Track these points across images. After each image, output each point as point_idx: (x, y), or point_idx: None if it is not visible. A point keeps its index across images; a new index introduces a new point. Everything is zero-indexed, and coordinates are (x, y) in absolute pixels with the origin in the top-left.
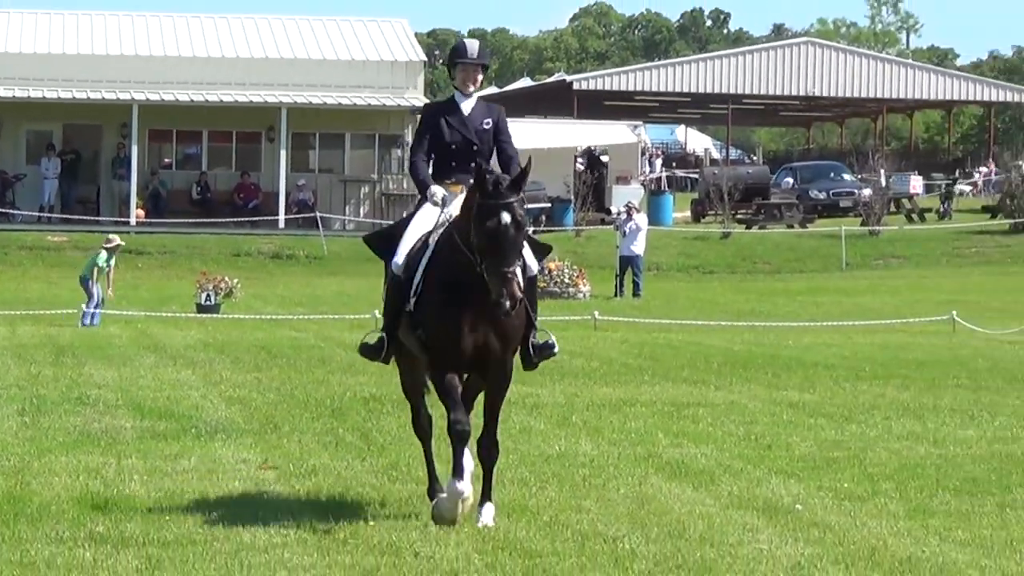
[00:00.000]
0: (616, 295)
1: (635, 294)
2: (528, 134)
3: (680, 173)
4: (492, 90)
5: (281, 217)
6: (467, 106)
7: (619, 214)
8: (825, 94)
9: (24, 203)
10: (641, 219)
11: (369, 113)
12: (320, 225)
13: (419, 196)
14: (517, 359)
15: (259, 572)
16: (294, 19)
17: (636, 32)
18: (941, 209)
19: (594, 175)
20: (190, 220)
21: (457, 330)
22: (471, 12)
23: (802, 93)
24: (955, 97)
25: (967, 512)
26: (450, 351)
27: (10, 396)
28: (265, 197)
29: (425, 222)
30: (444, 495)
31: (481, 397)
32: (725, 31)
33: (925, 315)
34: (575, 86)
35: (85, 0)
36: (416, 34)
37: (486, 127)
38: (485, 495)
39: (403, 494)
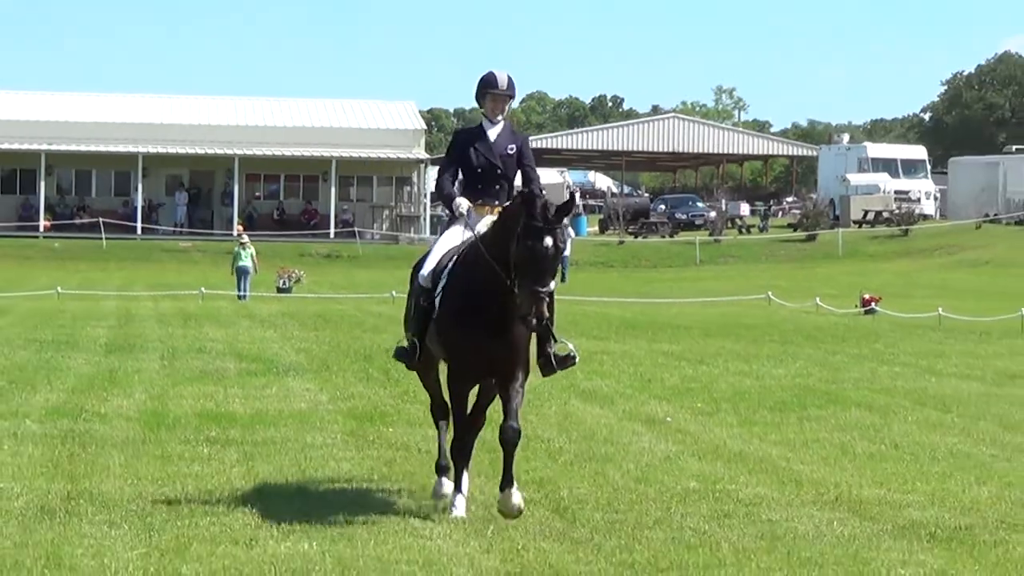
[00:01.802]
0: None
1: (562, 280)
2: None
3: (591, 202)
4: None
5: (332, 230)
6: (493, 133)
7: None
8: (686, 151)
9: (163, 221)
10: (568, 232)
11: (389, 163)
12: (357, 236)
13: (446, 217)
14: (535, 364)
15: (317, 461)
16: (340, 101)
17: (562, 110)
18: (761, 225)
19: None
20: (273, 232)
21: (473, 339)
22: (456, 96)
23: (671, 150)
24: (770, 152)
25: (778, 423)
26: (465, 359)
27: (154, 347)
28: (321, 218)
29: (452, 239)
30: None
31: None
32: (620, 109)
33: (751, 295)
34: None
35: (205, 88)
36: (420, 111)
37: (510, 152)
38: (508, 480)
39: (413, 412)
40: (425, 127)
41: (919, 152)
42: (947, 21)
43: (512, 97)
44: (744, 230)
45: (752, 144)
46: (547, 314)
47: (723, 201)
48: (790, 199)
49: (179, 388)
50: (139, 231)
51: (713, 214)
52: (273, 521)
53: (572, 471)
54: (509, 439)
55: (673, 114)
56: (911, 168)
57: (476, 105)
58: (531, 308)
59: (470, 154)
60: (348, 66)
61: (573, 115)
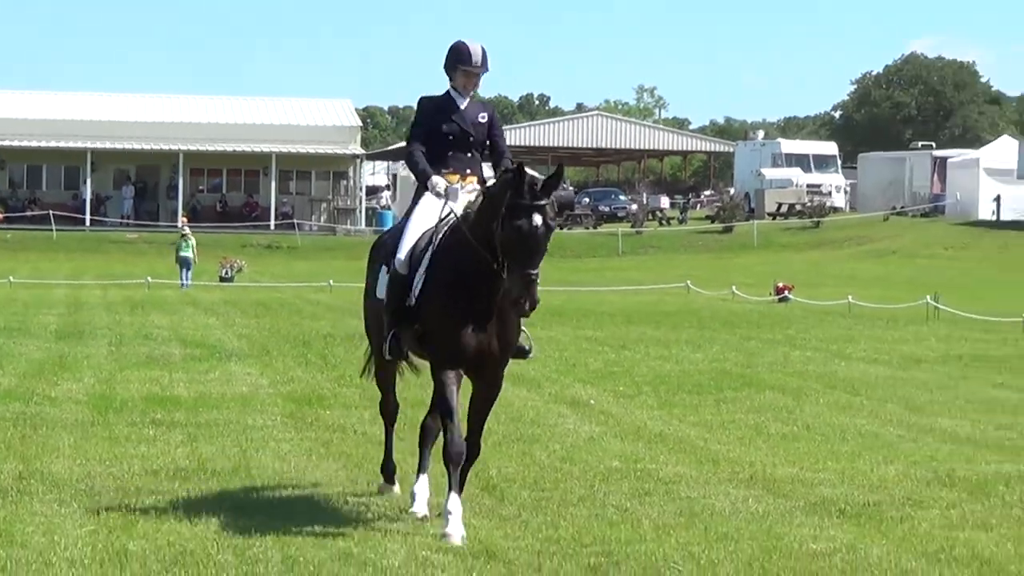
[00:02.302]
0: None
1: None
2: None
3: None
4: (401, 144)
5: (272, 222)
6: (463, 102)
7: None
8: (609, 147)
9: (111, 214)
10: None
11: (326, 158)
12: (296, 227)
13: (417, 187)
14: None
15: (257, 442)
16: (279, 99)
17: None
18: (680, 217)
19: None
20: (216, 224)
21: (461, 327)
22: (390, 94)
23: (595, 146)
24: (689, 148)
25: (696, 405)
26: (452, 348)
27: (102, 334)
28: (262, 210)
29: (426, 218)
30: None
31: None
32: (546, 107)
33: (670, 283)
34: None
35: (152, 86)
36: (355, 108)
37: (482, 120)
38: (456, 489)
39: (349, 395)
40: (360, 124)
41: (830, 148)
42: (856, 23)
43: (486, 71)
44: (664, 222)
45: (672, 140)
46: (538, 298)
47: (644, 194)
48: (708, 193)
49: (126, 373)
50: (88, 223)
51: (635, 207)
52: (216, 499)
53: (500, 451)
54: (472, 458)
55: (597, 112)
56: (822, 163)
57: (445, 74)
58: (523, 292)
59: (440, 121)
60: (287, 66)
61: (502, 113)
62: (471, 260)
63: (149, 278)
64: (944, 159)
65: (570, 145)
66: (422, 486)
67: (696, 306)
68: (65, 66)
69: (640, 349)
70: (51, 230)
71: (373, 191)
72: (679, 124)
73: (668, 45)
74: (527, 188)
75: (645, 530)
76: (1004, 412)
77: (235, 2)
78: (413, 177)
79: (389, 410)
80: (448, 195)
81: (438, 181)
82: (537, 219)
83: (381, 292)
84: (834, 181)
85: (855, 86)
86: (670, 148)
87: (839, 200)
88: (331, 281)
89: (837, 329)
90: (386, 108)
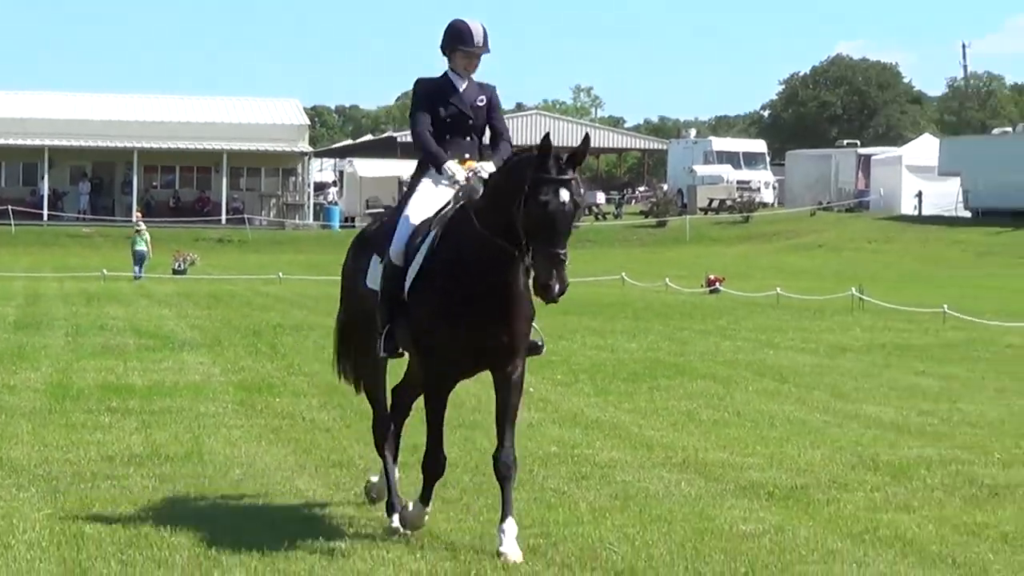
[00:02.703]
0: None
1: None
2: (374, 168)
3: None
4: (348, 142)
5: (223, 217)
6: (462, 84)
7: None
8: None
9: (68, 209)
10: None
11: (275, 155)
12: (247, 222)
13: (416, 174)
14: None
15: (209, 429)
16: (230, 98)
17: None
18: (616, 212)
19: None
20: (169, 219)
21: (468, 329)
22: (336, 93)
23: (534, 143)
24: (624, 146)
25: (631, 392)
26: (454, 350)
27: (60, 325)
28: (213, 205)
29: (425, 205)
30: (411, 511)
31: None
32: None
33: (606, 276)
34: (398, 139)
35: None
36: (304, 107)
37: (480, 104)
38: (508, 512)
39: (298, 383)
40: (308, 123)
41: (759, 146)
42: (785, 25)
43: (487, 52)
44: (600, 217)
45: (608, 138)
46: (568, 280)
47: (581, 188)
48: (642, 189)
49: (82, 362)
50: (45, 218)
51: None
52: (168, 483)
53: (447, 437)
54: (511, 473)
55: (535, 111)
56: (752, 160)
57: (442, 55)
58: (551, 274)
59: (437, 104)
60: (238, 66)
61: None
62: (482, 254)
63: (104, 271)
64: (868, 156)
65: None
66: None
67: (631, 298)
68: (22, 66)
69: (577, 339)
70: (10, 225)
71: (320, 187)
72: (614, 123)
73: (604, 46)
74: (553, 162)
75: (582, 512)
76: (926, 399)
77: (189, 4)
78: (422, 158)
79: (384, 433)
80: (465, 183)
81: (456, 168)
82: (564, 194)
83: (373, 283)
84: (763, 178)
85: (783, 86)
86: (606, 146)
87: (768, 196)
88: (280, 274)
89: (766, 319)
90: (333, 107)
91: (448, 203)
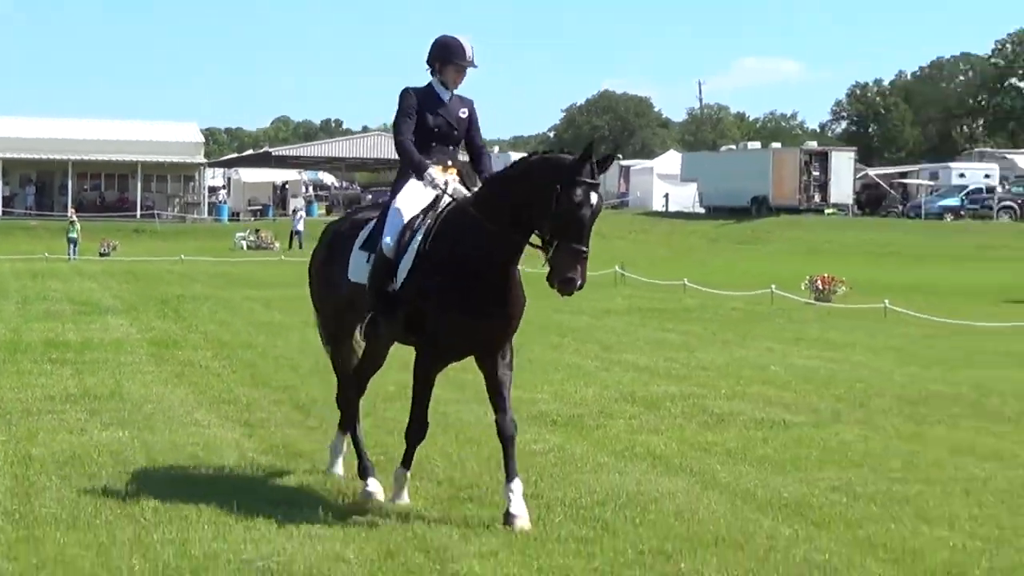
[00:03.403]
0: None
1: (299, 247)
2: (254, 175)
3: (321, 192)
4: (234, 155)
5: (138, 213)
6: (447, 96)
7: (295, 211)
8: (386, 157)
9: (17, 207)
10: (302, 214)
11: (179, 165)
12: (156, 217)
13: (400, 174)
14: None
15: (128, 374)
16: (144, 122)
17: (300, 129)
18: None
19: (283, 193)
20: (97, 214)
21: (471, 317)
22: (225, 117)
23: (375, 157)
24: None
25: None
26: (455, 338)
27: (12, 295)
28: (131, 203)
29: (412, 204)
30: (395, 475)
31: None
32: (341, 128)
33: None
34: (273, 153)
35: (51, 111)
36: (200, 129)
37: (463, 116)
38: (514, 473)
39: (195, 339)
40: (203, 140)
41: None
42: (565, 64)
43: (475, 67)
44: None
45: None
46: (586, 276)
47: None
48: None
49: (30, 324)
50: (0, 214)
51: None
52: (96, 417)
53: (311, 379)
54: (510, 433)
55: (377, 132)
56: None
57: (429, 67)
58: (575, 268)
59: (426, 114)
60: (152, 96)
61: (308, 132)
62: (486, 245)
63: (47, 254)
64: (628, 167)
65: (359, 156)
66: (341, 444)
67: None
68: None
69: None
70: None
71: (213, 190)
72: None
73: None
74: (589, 166)
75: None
76: (671, 349)
77: (116, 45)
78: (404, 165)
79: (353, 404)
80: (447, 187)
81: (437, 174)
82: (594, 197)
83: (357, 275)
84: None
85: (564, 113)
86: None
87: None
88: (182, 256)
89: (551, 291)
90: (223, 128)
91: (433, 201)
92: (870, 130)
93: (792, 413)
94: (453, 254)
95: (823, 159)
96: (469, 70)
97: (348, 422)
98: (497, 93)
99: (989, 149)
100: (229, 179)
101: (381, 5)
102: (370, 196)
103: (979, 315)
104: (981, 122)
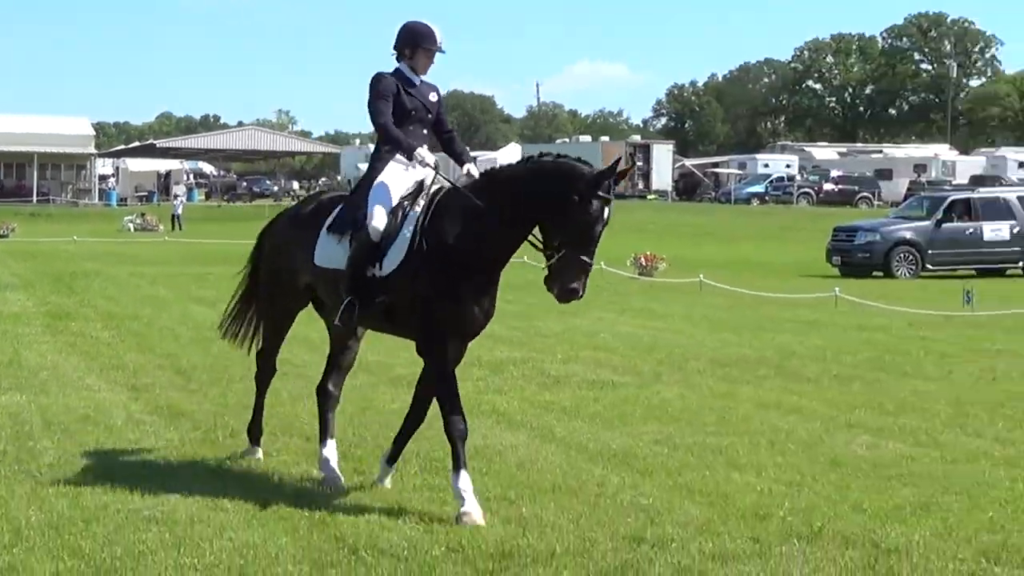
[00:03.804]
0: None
1: (181, 228)
2: (139, 165)
3: (200, 180)
4: (121, 147)
5: (35, 198)
6: (416, 80)
7: (175, 196)
8: (260, 149)
9: None
10: (182, 199)
11: (72, 155)
12: (51, 202)
13: (377, 159)
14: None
15: (26, 344)
16: (42, 116)
17: (182, 123)
18: (306, 195)
19: (166, 181)
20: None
21: (470, 301)
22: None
23: (251, 148)
24: (312, 150)
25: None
26: (458, 322)
27: None
28: (28, 190)
29: (394, 188)
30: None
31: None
32: (219, 122)
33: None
34: (157, 145)
35: None
36: (91, 123)
37: (433, 99)
38: (464, 467)
39: (88, 313)
40: (94, 134)
41: None
42: None
43: (443, 53)
44: (295, 198)
45: (301, 145)
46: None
47: (283, 180)
48: (324, 180)
49: None
50: None
51: (276, 188)
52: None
53: (191, 347)
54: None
55: (252, 126)
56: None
57: (397, 53)
58: (580, 278)
59: (403, 97)
60: (49, 91)
61: (189, 126)
62: (484, 234)
63: None
64: (475, 157)
65: (234, 148)
66: (331, 451)
67: None
68: None
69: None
70: None
71: (103, 178)
72: (305, 134)
73: (297, 75)
74: (608, 184)
75: (284, 399)
76: (513, 318)
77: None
78: (389, 147)
79: (268, 375)
80: (438, 168)
81: (425, 153)
82: (607, 212)
83: (326, 260)
84: None
85: None
86: (299, 150)
87: None
88: (75, 237)
89: None
90: (112, 122)
91: (417, 187)
92: (686, 125)
93: (619, 375)
94: (454, 243)
95: (646, 151)
96: (437, 55)
97: (322, 430)
98: (358, 87)
99: (790, 143)
100: (118, 168)
101: (249, 10)
102: (244, 183)
103: (781, 288)
104: (783, 119)
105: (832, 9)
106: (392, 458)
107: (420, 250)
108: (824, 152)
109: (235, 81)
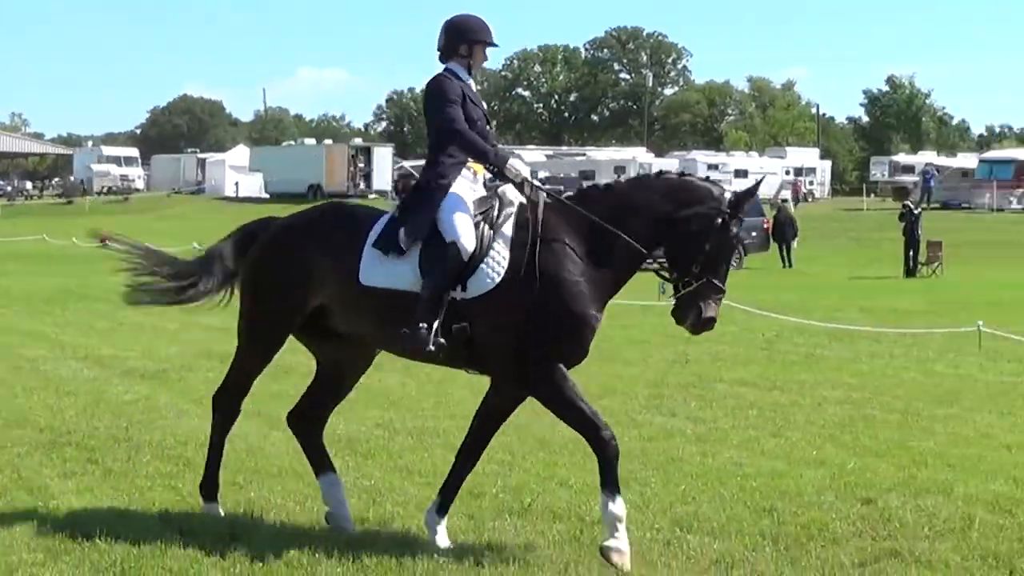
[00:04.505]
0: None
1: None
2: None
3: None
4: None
5: None
6: (472, 82)
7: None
8: None
9: None
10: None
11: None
12: None
13: (445, 171)
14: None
15: None
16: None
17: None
18: (39, 194)
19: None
20: None
21: (590, 333)
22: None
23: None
24: (44, 151)
25: (49, 312)
26: (579, 356)
27: None
28: None
29: (471, 201)
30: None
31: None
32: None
33: (29, 235)
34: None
35: None
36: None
37: (484, 107)
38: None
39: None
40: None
41: (134, 152)
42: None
43: (496, 47)
44: (29, 197)
45: (35, 147)
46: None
47: (16, 180)
48: (57, 179)
49: None
50: None
51: (9, 188)
52: None
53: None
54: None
55: None
56: (129, 161)
57: (441, 52)
58: (715, 309)
59: (468, 105)
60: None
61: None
62: (607, 253)
63: None
64: (205, 159)
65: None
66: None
67: (51, 251)
68: None
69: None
70: None
71: None
72: (38, 135)
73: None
74: (748, 204)
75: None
76: None
77: None
78: (473, 155)
79: (230, 419)
80: (524, 184)
81: (520, 166)
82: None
83: (385, 279)
84: (137, 172)
85: (149, 114)
86: (32, 152)
87: (140, 184)
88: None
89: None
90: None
91: (489, 201)
92: (405, 129)
93: None
94: (574, 267)
95: (367, 153)
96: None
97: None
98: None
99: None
100: None
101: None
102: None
103: None
104: (494, 124)
105: (539, 21)
106: (443, 508)
107: (529, 274)
108: (533, 155)
109: (52, 83)
